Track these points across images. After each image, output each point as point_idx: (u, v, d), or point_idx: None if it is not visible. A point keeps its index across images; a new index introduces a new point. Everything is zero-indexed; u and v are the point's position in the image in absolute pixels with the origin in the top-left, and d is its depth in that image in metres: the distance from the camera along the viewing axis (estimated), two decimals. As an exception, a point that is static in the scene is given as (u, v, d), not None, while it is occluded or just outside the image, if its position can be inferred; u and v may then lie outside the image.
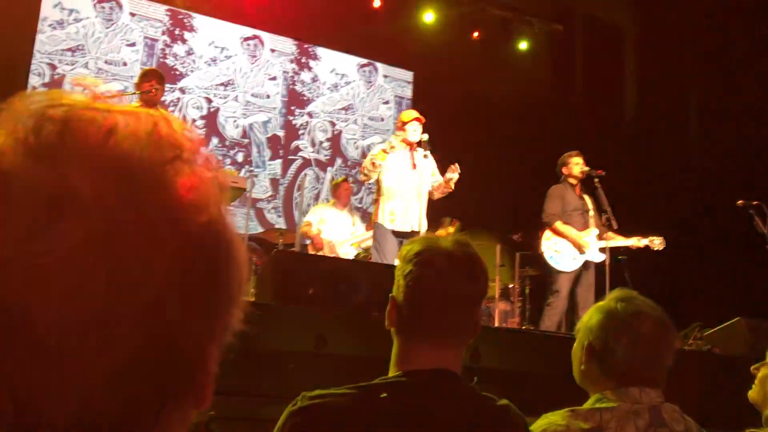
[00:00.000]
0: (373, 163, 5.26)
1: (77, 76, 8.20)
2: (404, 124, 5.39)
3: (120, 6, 8.54)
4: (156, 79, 5.06)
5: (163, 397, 0.45)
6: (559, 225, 5.77)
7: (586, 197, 5.98)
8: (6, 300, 0.40)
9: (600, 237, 5.79)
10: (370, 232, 6.68)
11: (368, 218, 7.50)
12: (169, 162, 0.46)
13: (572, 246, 5.74)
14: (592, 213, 5.90)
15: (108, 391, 0.42)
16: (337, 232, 6.70)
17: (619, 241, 5.79)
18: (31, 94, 0.46)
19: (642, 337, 1.59)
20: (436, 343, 1.37)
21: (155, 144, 0.46)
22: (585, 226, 5.84)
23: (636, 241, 5.80)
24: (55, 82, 8.07)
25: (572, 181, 5.92)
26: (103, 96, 0.49)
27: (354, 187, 9.47)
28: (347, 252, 6.70)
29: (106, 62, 8.39)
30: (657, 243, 5.80)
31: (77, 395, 0.41)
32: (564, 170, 5.95)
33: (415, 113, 5.48)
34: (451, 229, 6.16)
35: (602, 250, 5.76)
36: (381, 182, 5.36)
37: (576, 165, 5.89)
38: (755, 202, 5.49)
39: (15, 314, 0.40)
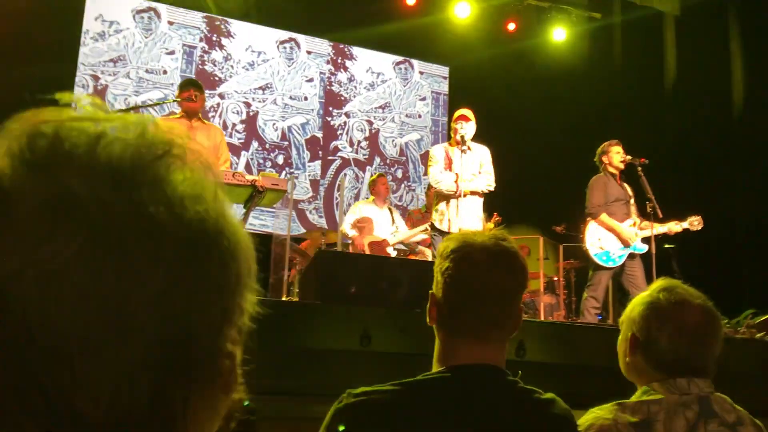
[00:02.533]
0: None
1: (117, 83, 8.39)
2: (453, 122, 5.48)
3: (158, 15, 8.71)
4: (194, 88, 5.16)
5: (187, 383, 0.47)
6: (604, 217, 5.69)
7: (627, 186, 5.89)
8: (24, 308, 0.42)
9: (639, 226, 5.70)
10: (413, 230, 6.69)
11: (408, 216, 7.51)
12: (160, 158, 0.48)
13: (617, 239, 5.66)
14: (632, 201, 5.80)
15: (134, 382, 0.44)
16: (378, 231, 6.71)
17: (658, 228, 5.67)
18: (24, 114, 0.48)
19: (686, 327, 1.56)
20: (477, 337, 1.37)
21: (145, 143, 0.48)
22: (627, 216, 5.75)
23: (674, 226, 5.68)
24: (99, 93, 8.27)
25: (612, 170, 5.82)
26: (93, 108, 0.51)
27: (393, 185, 9.50)
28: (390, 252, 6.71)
29: (146, 71, 8.56)
30: (696, 223, 5.67)
31: (105, 390, 0.43)
32: (604, 159, 5.86)
33: (460, 111, 5.51)
34: (491, 225, 6.12)
35: (645, 240, 5.66)
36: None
37: (616, 154, 5.79)
38: None
39: (34, 320, 0.42)
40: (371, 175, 7.37)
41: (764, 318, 5.29)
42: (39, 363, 0.42)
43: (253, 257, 0.53)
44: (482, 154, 5.49)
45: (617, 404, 1.57)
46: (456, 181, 5.29)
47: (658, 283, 1.66)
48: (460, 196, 5.26)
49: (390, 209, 6.98)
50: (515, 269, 1.38)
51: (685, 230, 5.73)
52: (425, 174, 9.24)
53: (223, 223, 0.50)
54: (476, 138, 5.49)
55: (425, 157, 8.96)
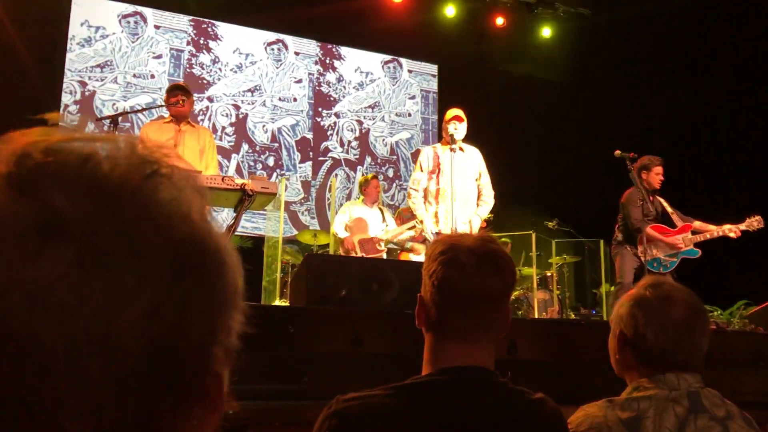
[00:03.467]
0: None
1: (105, 89, 8.36)
2: (446, 123, 5.35)
3: (144, 20, 8.68)
4: (181, 92, 5.13)
5: (174, 402, 0.47)
6: (648, 230, 5.70)
7: (660, 199, 5.91)
8: (11, 326, 0.42)
9: (693, 229, 5.73)
10: (402, 227, 6.68)
11: (398, 215, 7.50)
12: (148, 177, 0.48)
13: (666, 245, 5.71)
14: (671, 210, 5.82)
15: (120, 402, 0.44)
16: (370, 230, 6.71)
17: (711, 231, 5.65)
18: (12, 135, 0.48)
19: (671, 322, 1.57)
20: (465, 339, 1.37)
21: (133, 163, 0.48)
22: (670, 226, 5.81)
23: (730, 230, 5.61)
24: (86, 99, 8.23)
25: (647, 187, 5.83)
26: (81, 128, 0.51)
27: (385, 184, 9.50)
28: (383, 249, 6.71)
29: (134, 76, 8.53)
30: (756, 224, 5.60)
31: (92, 409, 0.43)
32: (643, 175, 5.84)
33: (453, 111, 5.38)
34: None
35: (697, 245, 5.69)
36: (425, 188, 5.36)
37: (656, 175, 5.81)
38: None
39: (22, 338, 0.42)
40: (363, 176, 7.36)
41: (756, 309, 5.31)
42: (24, 380, 0.42)
43: (240, 275, 0.53)
44: (476, 159, 5.41)
45: (607, 401, 1.58)
46: (431, 231, 5.21)
47: (646, 280, 1.67)
48: (424, 240, 5.21)
49: (381, 209, 6.98)
50: (502, 271, 1.38)
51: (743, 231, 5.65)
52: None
53: (210, 242, 0.50)
54: (467, 134, 5.44)
55: (416, 156, 8.97)
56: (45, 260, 0.43)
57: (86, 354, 0.43)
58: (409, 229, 6.59)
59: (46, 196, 0.44)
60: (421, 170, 5.36)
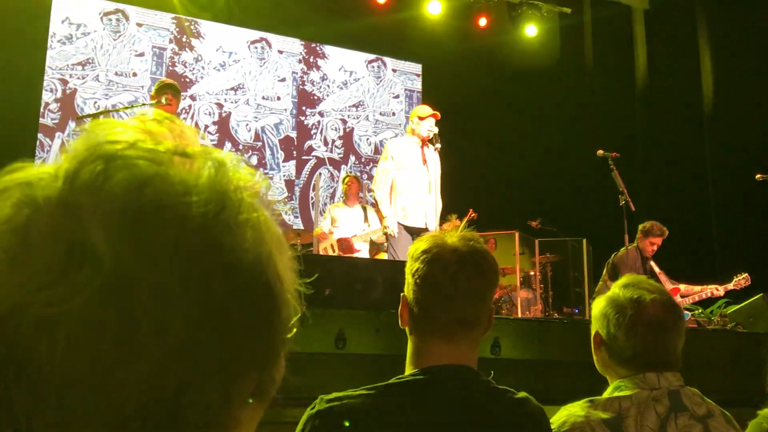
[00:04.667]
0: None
1: (86, 87, 8.28)
2: (421, 119, 5.31)
3: (126, 17, 8.61)
4: (171, 92, 5.08)
5: None
6: None
7: (653, 264, 5.96)
8: (15, 342, 0.40)
9: (681, 293, 5.80)
10: (371, 230, 6.63)
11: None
12: (205, 226, 0.44)
13: None
14: (658, 271, 5.89)
15: None
16: (350, 229, 6.70)
17: (699, 293, 5.74)
18: (93, 129, 0.45)
19: (642, 321, 1.58)
20: (448, 338, 1.37)
21: (207, 200, 0.44)
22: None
23: (716, 290, 5.75)
24: (67, 97, 8.15)
25: (642, 249, 5.90)
26: (176, 135, 0.48)
27: (369, 183, 9.49)
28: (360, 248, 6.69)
29: (116, 74, 8.46)
30: (743, 282, 5.74)
31: None
32: (641, 239, 5.89)
33: (430, 110, 5.38)
34: (460, 223, 6.10)
35: (688, 308, 5.76)
36: (394, 179, 5.31)
37: (652, 245, 5.88)
38: None
39: (23, 357, 0.40)
40: (346, 175, 7.36)
41: (736, 308, 5.37)
42: (21, 402, 0.40)
43: (285, 332, 0.49)
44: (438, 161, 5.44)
45: (589, 401, 1.59)
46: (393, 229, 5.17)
47: (623, 280, 1.68)
48: (391, 236, 5.17)
49: (364, 207, 6.97)
50: (485, 269, 1.38)
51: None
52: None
53: (252, 302, 0.45)
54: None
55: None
56: (65, 287, 0.40)
57: (79, 395, 0.40)
58: (374, 232, 6.51)
59: (86, 217, 0.41)
60: (393, 160, 5.30)
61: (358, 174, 9.58)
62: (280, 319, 0.48)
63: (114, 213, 0.42)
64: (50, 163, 0.45)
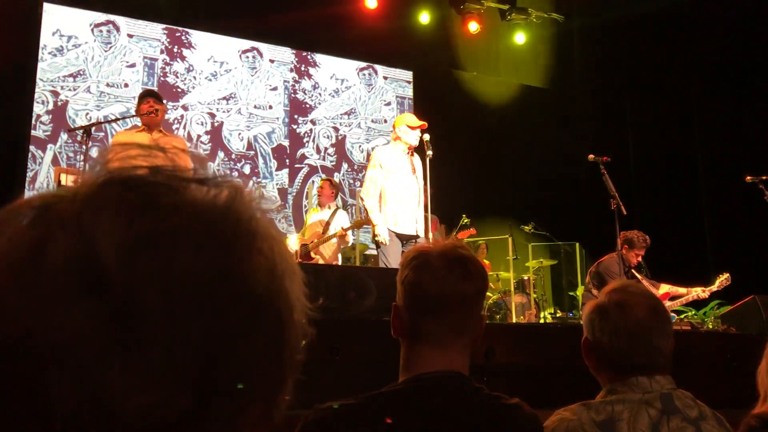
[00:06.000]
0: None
1: (78, 98, 8.27)
2: (411, 128, 5.28)
3: (117, 28, 8.61)
4: (153, 99, 5.06)
5: None
6: None
7: (636, 273, 5.99)
8: (26, 367, 0.39)
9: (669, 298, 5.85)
10: (328, 234, 6.47)
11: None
12: (225, 249, 0.43)
13: None
14: (640, 276, 5.92)
15: None
16: (313, 234, 6.67)
17: (686, 296, 5.79)
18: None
19: (625, 326, 1.59)
20: (439, 344, 1.38)
21: (202, 230, 0.44)
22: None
23: (702, 292, 5.78)
24: (59, 109, 8.14)
25: (626, 258, 5.93)
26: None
27: (346, 187, 9.48)
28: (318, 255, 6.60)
29: (107, 85, 8.45)
30: (725, 281, 5.78)
31: None
32: (626, 251, 5.92)
33: (417, 120, 5.33)
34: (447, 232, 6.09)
35: (676, 310, 5.79)
36: (383, 187, 5.29)
37: (636, 256, 5.93)
38: (764, 177, 5.48)
39: (32, 383, 0.39)
40: (339, 183, 7.34)
41: (728, 309, 5.39)
42: (29, 427, 0.40)
43: (297, 363, 0.49)
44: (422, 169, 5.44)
45: (582, 405, 1.59)
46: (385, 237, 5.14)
47: (611, 286, 1.70)
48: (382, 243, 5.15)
49: (336, 208, 6.89)
50: (472, 274, 1.39)
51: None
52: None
53: (262, 336, 0.45)
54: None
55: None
56: (79, 310, 0.39)
57: (86, 424, 0.39)
58: (333, 236, 6.41)
59: (101, 242, 0.41)
60: (381, 168, 5.27)
61: (351, 181, 9.59)
62: (289, 348, 0.48)
63: (127, 239, 0.41)
64: (69, 186, 0.45)
